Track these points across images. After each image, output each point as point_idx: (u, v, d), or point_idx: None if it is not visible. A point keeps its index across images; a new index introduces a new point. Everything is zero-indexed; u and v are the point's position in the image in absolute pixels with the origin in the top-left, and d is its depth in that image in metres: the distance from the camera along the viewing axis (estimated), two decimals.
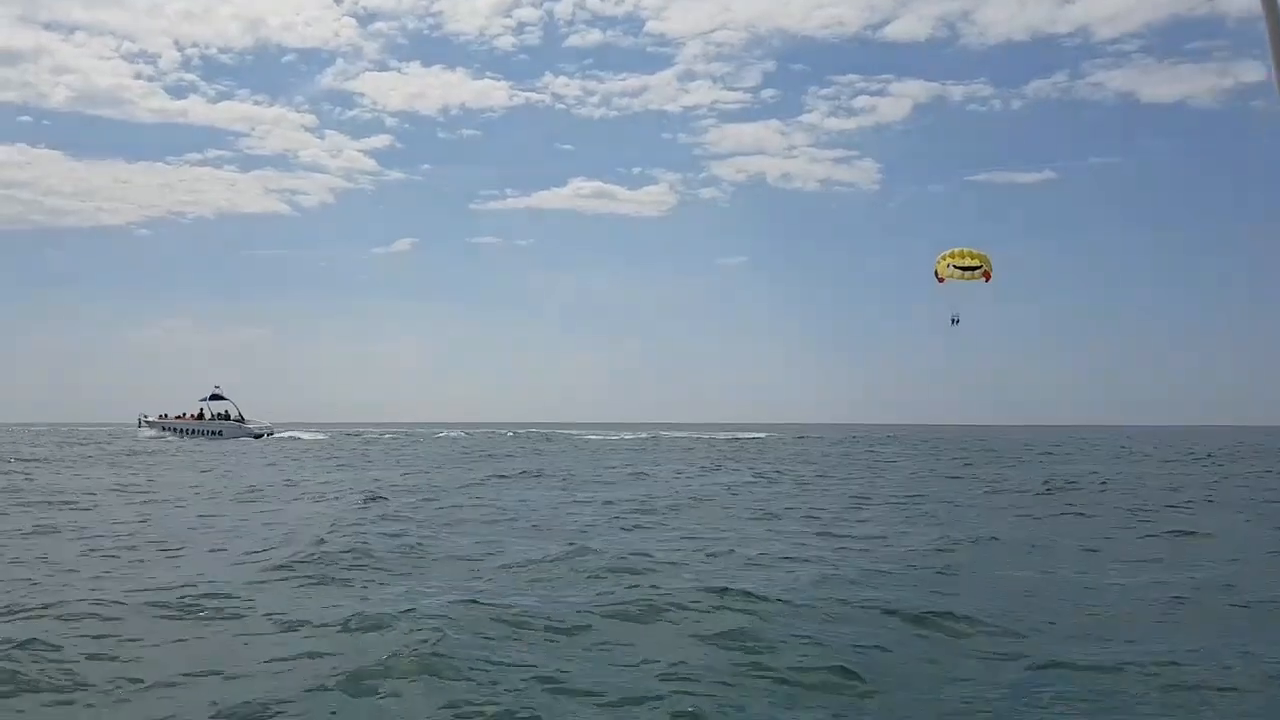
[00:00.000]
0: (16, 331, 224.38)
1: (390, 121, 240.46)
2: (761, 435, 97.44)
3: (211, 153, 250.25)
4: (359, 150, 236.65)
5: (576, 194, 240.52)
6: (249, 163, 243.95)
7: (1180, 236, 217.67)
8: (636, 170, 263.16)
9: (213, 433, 70.83)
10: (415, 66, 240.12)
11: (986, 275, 27.46)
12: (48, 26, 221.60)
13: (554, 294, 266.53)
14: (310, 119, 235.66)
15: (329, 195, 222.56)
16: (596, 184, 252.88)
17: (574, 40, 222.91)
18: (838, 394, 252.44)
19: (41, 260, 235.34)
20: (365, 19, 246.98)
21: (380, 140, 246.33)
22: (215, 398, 74.89)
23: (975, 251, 27.25)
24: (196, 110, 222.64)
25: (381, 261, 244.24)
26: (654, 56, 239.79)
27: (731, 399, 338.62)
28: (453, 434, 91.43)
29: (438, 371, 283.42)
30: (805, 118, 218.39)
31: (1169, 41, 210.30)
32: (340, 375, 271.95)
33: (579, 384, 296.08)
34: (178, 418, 76.81)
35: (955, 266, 26.45)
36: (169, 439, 69.31)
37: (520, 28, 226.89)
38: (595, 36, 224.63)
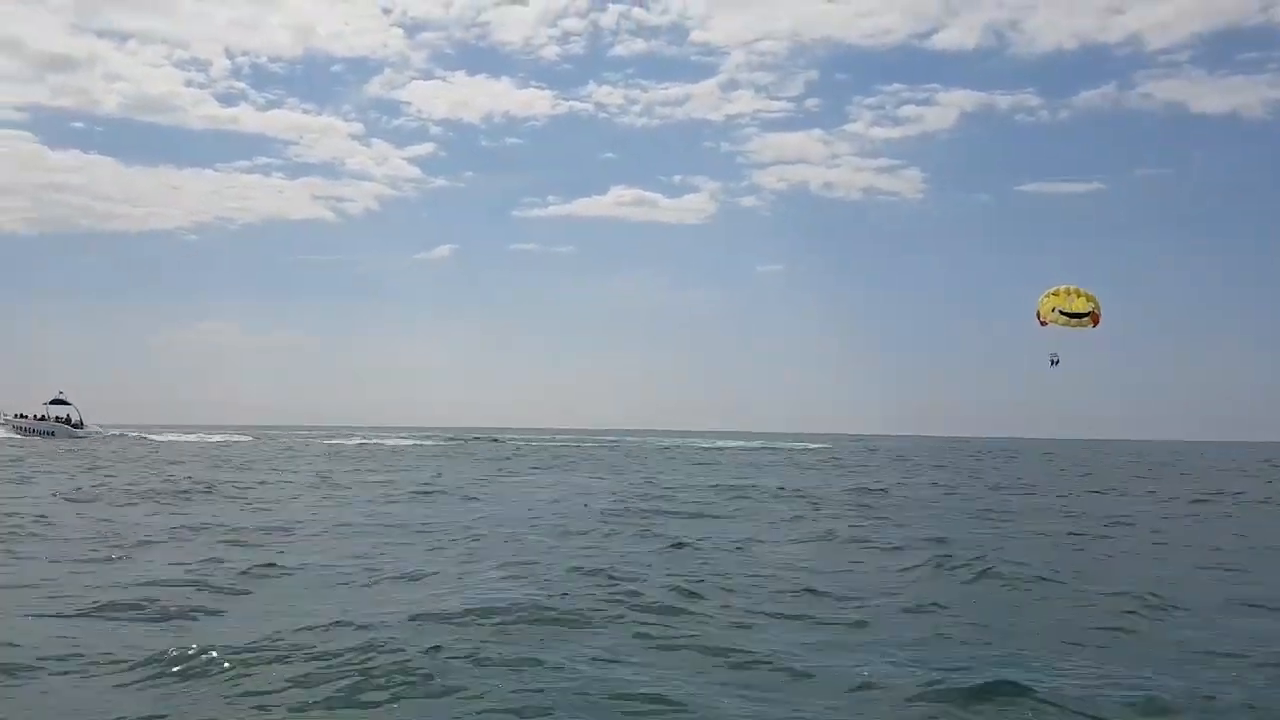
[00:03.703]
0: (64, 333, 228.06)
1: (435, 130, 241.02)
2: (815, 446, 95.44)
3: (260, 160, 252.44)
4: (404, 158, 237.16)
5: (617, 202, 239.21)
6: (297, 170, 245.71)
7: (1230, 249, 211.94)
8: (678, 178, 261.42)
9: (46, 433, 76.73)
10: (460, 76, 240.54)
11: (1095, 320, 24.77)
12: (100, 34, 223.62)
13: (593, 301, 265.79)
14: (357, 127, 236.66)
15: (374, 202, 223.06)
16: (637, 192, 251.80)
17: (618, 50, 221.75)
18: (875, 404, 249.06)
19: (91, 264, 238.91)
20: (413, 29, 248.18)
21: (424, 148, 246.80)
22: (58, 402, 80.00)
23: (1085, 292, 24.53)
24: (246, 118, 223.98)
25: (423, 267, 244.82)
26: (697, 66, 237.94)
27: (767, 407, 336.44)
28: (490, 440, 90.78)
29: (474, 376, 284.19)
30: (849, 127, 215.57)
31: (1220, 52, 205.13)
32: (379, 378, 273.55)
33: (613, 389, 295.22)
34: (20, 416, 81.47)
35: (1061, 312, 23.80)
36: (15, 437, 75.53)
37: (565, 37, 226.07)
38: (639, 46, 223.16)
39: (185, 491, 26.19)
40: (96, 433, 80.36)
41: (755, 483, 33.93)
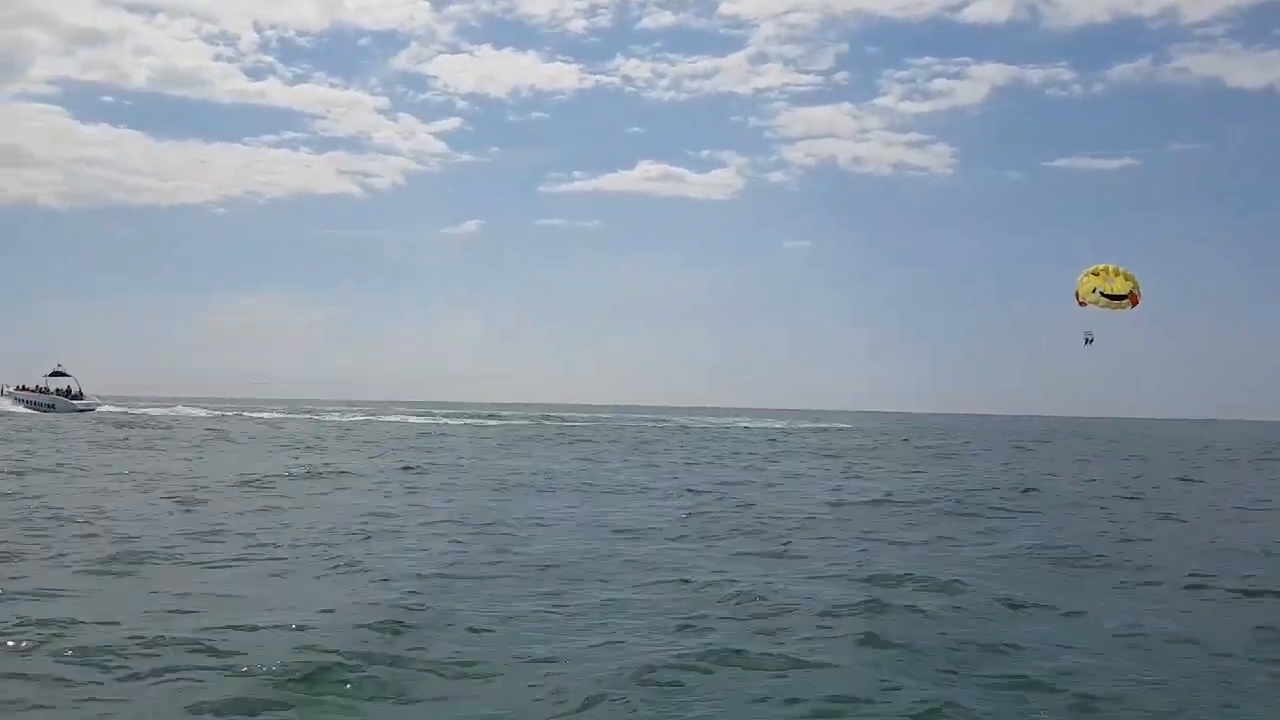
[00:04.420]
0: (95, 306, 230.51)
1: (461, 104, 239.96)
2: (844, 426, 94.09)
3: (287, 134, 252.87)
4: (430, 133, 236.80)
5: (644, 177, 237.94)
6: (324, 145, 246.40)
7: (1268, 225, 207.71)
8: (705, 153, 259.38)
9: (46, 405, 77.41)
10: (487, 49, 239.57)
11: (1134, 300, 23.91)
12: (130, 8, 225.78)
13: (619, 276, 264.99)
14: (384, 101, 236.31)
15: (400, 177, 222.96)
16: (664, 167, 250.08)
17: (646, 22, 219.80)
18: (901, 381, 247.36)
19: (120, 237, 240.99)
20: (439, 2, 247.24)
21: (451, 123, 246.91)
22: (57, 374, 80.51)
23: (1124, 271, 23.71)
24: (274, 92, 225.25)
25: (449, 243, 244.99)
26: (726, 38, 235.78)
27: (791, 384, 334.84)
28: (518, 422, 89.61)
29: (499, 353, 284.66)
30: (879, 101, 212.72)
31: (1258, 25, 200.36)
32: (405, 354, 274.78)
33: (639, 366, 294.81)
34: (20, 388, 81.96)
35: (1102, 294, 22.95)
36: (19, 409, 75.90)
37: (592, 10, 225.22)
38: (668, 18, 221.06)
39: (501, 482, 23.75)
40: (96, 404, 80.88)
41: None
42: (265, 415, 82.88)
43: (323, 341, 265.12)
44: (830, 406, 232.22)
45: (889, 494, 21.93)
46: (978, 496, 21.66)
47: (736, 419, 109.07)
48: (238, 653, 7.55)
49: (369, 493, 20.53)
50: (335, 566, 11.55)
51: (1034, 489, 24.00)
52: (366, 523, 15.38)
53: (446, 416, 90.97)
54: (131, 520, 15.08)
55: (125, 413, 77.74)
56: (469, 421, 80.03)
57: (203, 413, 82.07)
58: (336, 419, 78.90)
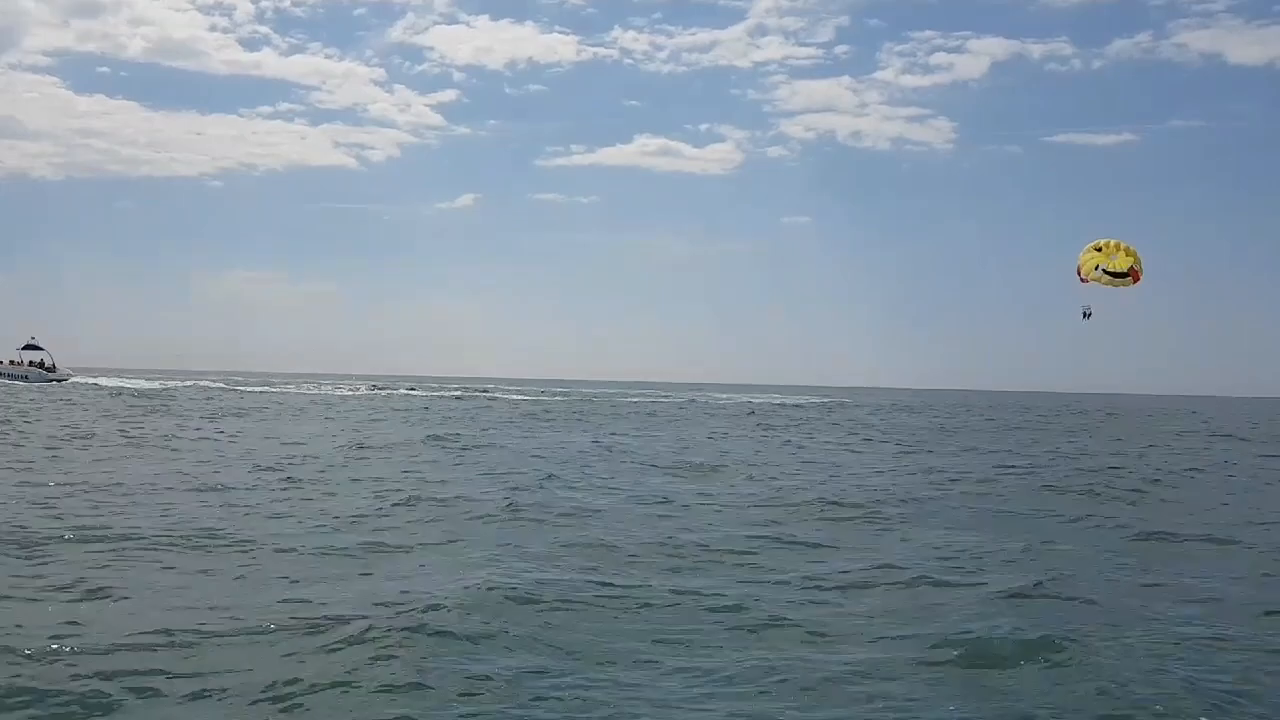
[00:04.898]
0: (92, 278, 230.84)
1: (458, 76, 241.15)
2: (846, 402, 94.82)
3: (283, 106, 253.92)
4: (426, 105, 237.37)
5: (642, 151, 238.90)
6: (319, 116, 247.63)
7: (1267, 202, 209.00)
8: (704, 127, 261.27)
9: (20, 377, 79.14)
10: (484, 20, 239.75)
11: (1135, 277, 25.19)
12: None
13: (616, 251, 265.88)
14: (379, 73, 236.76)
15: (396, 150, 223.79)
16: (662, 141, 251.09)
17: None
18: (901, 358, 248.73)
19: (116, 209, 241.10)
20: None
21: (447, 95, 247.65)
22: (31, 347, 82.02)
23: (1126, 246, 24.74)
24: (269, 63, 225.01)
25: (445, 216, 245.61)
26: (725, 10, 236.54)
27: (787, 360, 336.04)
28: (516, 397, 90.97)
29: (496, 327, 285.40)
30: (879, 74, 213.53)
31: (1258, 1, 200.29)
32: (401, 328, 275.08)
33: (635, 341, 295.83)
34: None
35: (1105, 271, 24.20)
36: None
37: None
38: None
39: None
40: (68, 376, 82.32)
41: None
42: (281, 389, 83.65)
43: (317, 315, 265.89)
44: (829, 383, 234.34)
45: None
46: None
47: (748, 395, 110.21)
48: None
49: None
50: None
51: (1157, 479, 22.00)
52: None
53: (457, 392, 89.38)
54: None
55: (123, 388, 77.70)
56: (496, 397, 79.72)
57: (219, 384, 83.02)
58: (348, 393, 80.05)
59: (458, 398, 74.73)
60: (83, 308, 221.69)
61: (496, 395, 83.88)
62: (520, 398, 79.27)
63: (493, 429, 36.23)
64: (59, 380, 79.68)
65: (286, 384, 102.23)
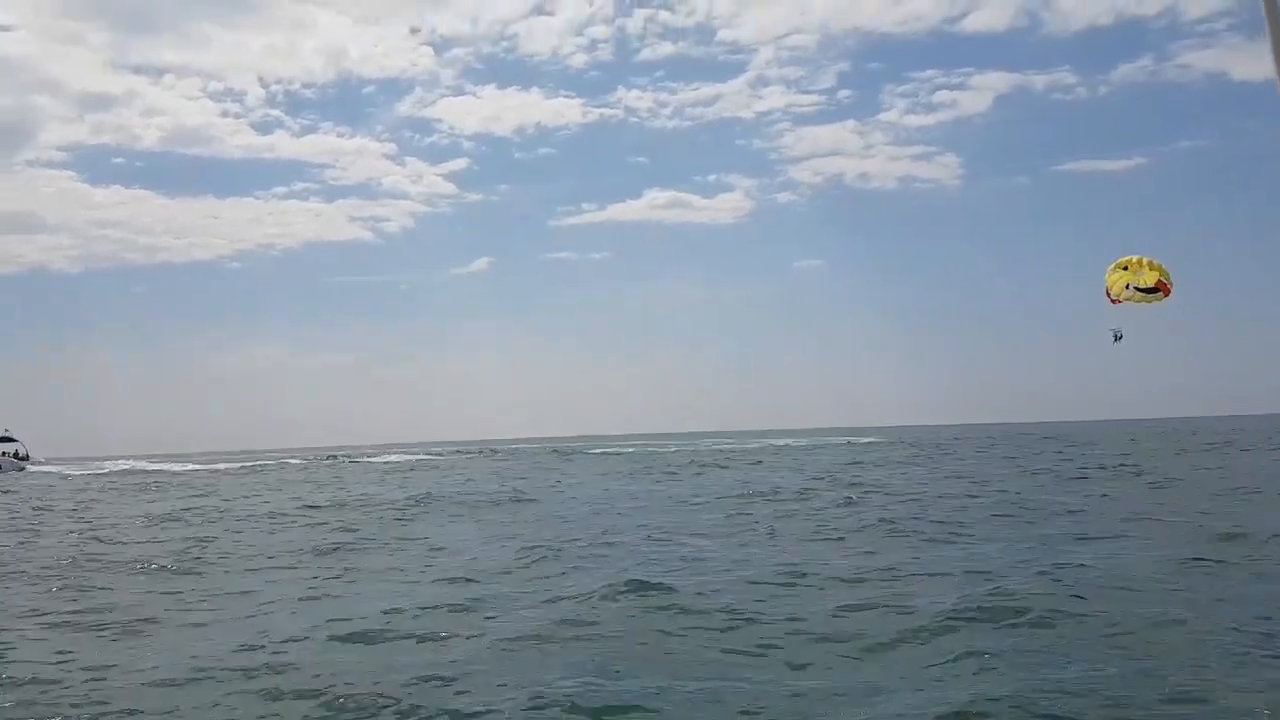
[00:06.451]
0: (112, 365, 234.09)
1: (467, 145, 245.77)
2: (865, 440, 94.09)
3: (298, 185, 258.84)
4: (438, 175, 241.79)
5: (651, 205, 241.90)
6: (334, 193, 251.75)
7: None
8: (711, 178, 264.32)
9: None
10: (490, 90, 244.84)
11: (1165, 291, 25.66)
12: (137, 70, 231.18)
13: (629, 305, 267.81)
14: (390, 147, 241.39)
15: (410, 220, 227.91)
16: (671, 194, 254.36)
17: (645, 54, 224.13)
18: (920, 395, 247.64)
19: (138, 296, 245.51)
20: (441, 46, 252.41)
21: (458, 164, 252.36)
22: (4, 439, 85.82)
23: (1149, 260, 25.27)
24: (282, 145, 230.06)
25: (460, 282, 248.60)
26: (726, 64, 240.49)
27: (809, 402, 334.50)
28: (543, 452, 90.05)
29: (514, 387, 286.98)
30: (883, 116, 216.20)
31: (1260, 17, 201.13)
32: (420, 395, 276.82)
33: (655, 392, 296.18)
34: None
35: (1136, 289, 24.76)
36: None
37: (592, 45, 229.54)
38: (667, 49, 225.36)
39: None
40: (40, 465, 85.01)
41: None
42: (372, 459, 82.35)
43: (332, 386, 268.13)
44: (850, 424, 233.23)
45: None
46: None
47: (770, 440, 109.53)
48: None
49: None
50: None
51: None
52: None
53: (502, 457, 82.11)
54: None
55: (151, 469, 76.30)
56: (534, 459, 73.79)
57: (297, 461, 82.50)
58: (394, 460, 79.46)
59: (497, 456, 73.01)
60: (102, 395, 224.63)
61: (567, 453, 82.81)
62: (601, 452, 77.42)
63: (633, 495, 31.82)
64: (31, 470, 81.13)
65: (302, 457, 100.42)
